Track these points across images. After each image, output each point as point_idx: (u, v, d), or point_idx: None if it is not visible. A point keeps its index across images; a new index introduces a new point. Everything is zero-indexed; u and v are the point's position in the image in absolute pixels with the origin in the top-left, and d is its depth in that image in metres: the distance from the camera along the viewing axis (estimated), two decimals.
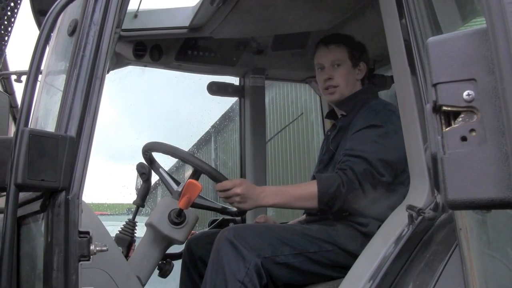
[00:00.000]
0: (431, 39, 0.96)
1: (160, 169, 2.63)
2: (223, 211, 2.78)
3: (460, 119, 0.93)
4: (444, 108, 0.94)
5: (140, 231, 2.47)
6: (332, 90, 2.61)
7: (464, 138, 0.92)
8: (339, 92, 2.60)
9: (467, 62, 0.93)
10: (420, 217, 1.64)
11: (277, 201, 2.28)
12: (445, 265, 1.53)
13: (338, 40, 2.67)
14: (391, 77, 3.02)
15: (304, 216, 2.73)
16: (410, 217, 1.67)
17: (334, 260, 2.26)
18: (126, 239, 2.39)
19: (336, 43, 2.64)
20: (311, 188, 2.25)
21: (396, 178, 2.33)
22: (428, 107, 0.96)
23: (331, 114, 2.83)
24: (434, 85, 0.94)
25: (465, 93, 0.93)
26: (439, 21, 1.66)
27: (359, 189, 2.21)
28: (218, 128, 16.11)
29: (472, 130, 0.92)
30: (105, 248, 1.55)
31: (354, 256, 1.89)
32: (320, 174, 2.36)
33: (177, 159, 2.46)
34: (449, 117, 0.94)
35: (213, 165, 2.40)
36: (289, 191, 2.34)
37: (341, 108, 2.65)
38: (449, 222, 1.61)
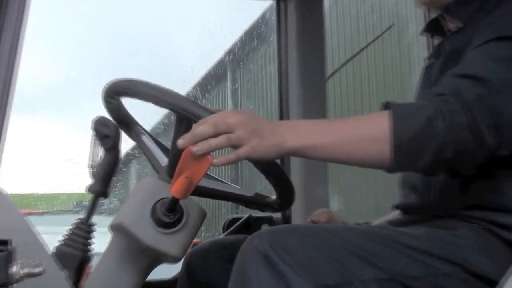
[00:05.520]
0: None
1: (137, 128, 2.07)
2: (250, 201, 2.13)
3: None
4: None
5: (101, 240, 1.99)
6: None
7: None
8: None
9: None
10: None
11: (315, 140, 1.62)
12: None
13: None
14: None
15: (397, 213, 2.09)
16: None
17: None
18: (74, 256, 1.88)
19: None
20: (380, 120, 1.61)
21: None
22: None
23: (433, 27, 2.14)
24: None
25: None
26: None
27: (474, 134, 1.59)
28: (239, 55, 10.83)
29: None
30: (38, 270, 1.33)
31: (492, 284, 1.58)
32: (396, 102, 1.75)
33: (168, 110, 1.80)
34: None
35: None
36: (339, 126, 1.70)
37: (453, 16, 1.99)
38: None
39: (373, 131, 1.61)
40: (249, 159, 1.60)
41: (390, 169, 1.67)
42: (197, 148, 1.53)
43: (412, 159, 1.61)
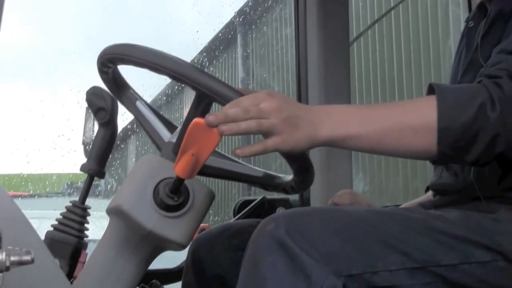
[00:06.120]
0: None
1: (136, 100, 1.97)
2: (262, 182, 2.04)
3: None
4: None
5: (97, 225, 1.97)
6: None
7: None
8: None
9: None
10: None
11: (355, 130, 1.58)
12: None
13: None
14: None
15: (430, 194, 2.03)
16: None
17: (492, 283, 1.59)
18: (68, 243, 1.82)
19: None
20: (424, 108, 1.57)
21: None
22: None
23: None
24: None
25: None
26: None
27: None
28: (251, 16, 9.98)
29: None
30: (28, 258, 1.27)
31: None
32: (443, 84, 1.65)
33: (171, 79, 1.72)
34: None
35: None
36: (380, 113, 1.64)
37: None
38: None
39: (417, 121, 1.53)
40: (278, 151, 1.54)
41: (436, 161, 1.59)
42: (226, 128, 1.47)
43: (460, 152, 1.54)
